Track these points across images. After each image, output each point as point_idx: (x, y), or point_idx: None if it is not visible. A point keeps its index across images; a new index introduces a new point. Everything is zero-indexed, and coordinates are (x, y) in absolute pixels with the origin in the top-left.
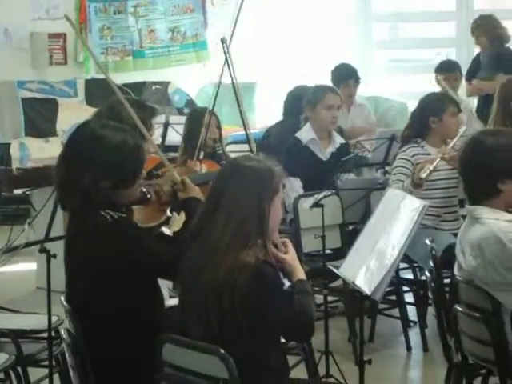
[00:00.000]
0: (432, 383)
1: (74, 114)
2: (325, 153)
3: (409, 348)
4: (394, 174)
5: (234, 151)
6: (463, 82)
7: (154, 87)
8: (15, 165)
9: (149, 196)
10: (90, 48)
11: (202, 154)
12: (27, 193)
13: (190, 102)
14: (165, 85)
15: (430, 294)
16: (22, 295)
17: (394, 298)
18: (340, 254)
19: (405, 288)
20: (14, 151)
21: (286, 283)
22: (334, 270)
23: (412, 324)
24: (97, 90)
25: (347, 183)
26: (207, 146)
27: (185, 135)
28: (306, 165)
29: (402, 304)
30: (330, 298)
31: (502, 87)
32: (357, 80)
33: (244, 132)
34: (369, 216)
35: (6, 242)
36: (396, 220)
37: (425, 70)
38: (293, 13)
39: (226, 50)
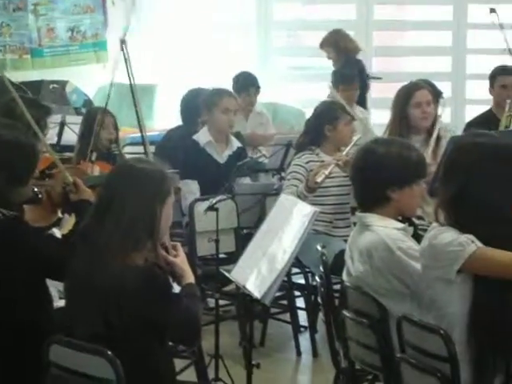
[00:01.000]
0: None
1: None
2: (222, 156)
3: (299, 353)
4: (288, 180)
5: (131, 153)
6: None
7: (51, 86)
8: None
9: (40, 196)
10: None
11: (94, 155)
12: None
13: (87, 102)
14: (62, 84)
15: (319, 300)
16: None
17: (285, 302)
18: (234, 258)
19: (297, 293)
20: None
21: (176, 287)
22: (226, 274)
23: (303, 329)
24: None
25: (243, 188)
26: (102, 146)
27: (80, 135)
28: (204, 167)
29: (293, 309)
30: (222, 302)
31: (397, 94)
32: (257, 89)
33: (139, 134)
34: (263, 221)
35: None
36: (288, 225)
37: (324, 78)
38: (195, 17)
39: (125, 51)
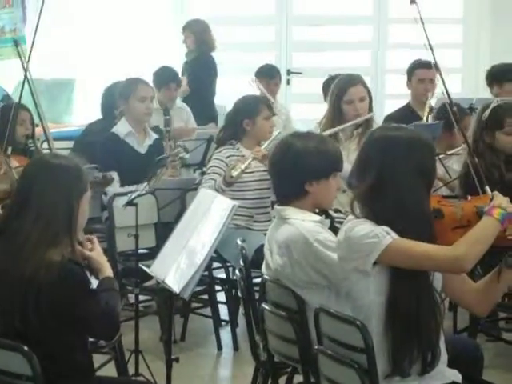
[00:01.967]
0: (241, 382)
1: None
2: (142, 145)
3: (219, 347)
4: (208, 174)
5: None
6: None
7: None
8: None
9: None
10: None
11: (9, 149)
12: None
13: (6, 98)
14: None
15: (239, 293)
16: None
17: (206, 297)
18: (154, 253)
19: (217, 287)
20: None
21: (93, 281)
22: (145, 269)
23: (224, 323)
24: None
25: (163, 183)
26: (19, 141)
27: None
28: (125, 159)
29: (213, 303)
30: (143, 297)
31: (332, 89)
32: (178, 84)
33: (60, 129)
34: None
35: None
36: (207, 219)
37: (246, 73)
38: (117, 11)
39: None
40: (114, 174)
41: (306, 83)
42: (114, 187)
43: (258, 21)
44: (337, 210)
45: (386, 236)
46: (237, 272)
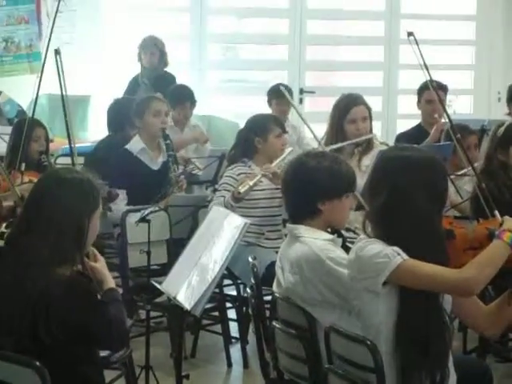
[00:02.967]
0: None
1: None
2: (156, 162)
3: (229, 364)
4: (219, 191)
5: (64, 164)
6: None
7: None
8: None
9: None
10: None
11: (23, 165)
12: None
13: (21, 113)
14: None
15: (250, 311)
16: None
17: (217, 314)
18: (166, 269)
19: (228, 304)
20: None
21: None
22: (157, 285)
23: (234, 340)
24: None
25: (176, 199)
26: (32, 157)
27: (10, 146)
28: (138, 176)
29: (224, 320)
30: (154, 314)
31: (334, 107)
32: (193, 103)
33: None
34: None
35: None
36: (219, 237)
37: (259, 92)
38: (129, 30)
39: (59, 62)
40: (122, 192)
41: (318, 102)
42: (120, 205)
43: (271, 40)
44: (348, 229)
45: (396, 256)
46: (247, 289)
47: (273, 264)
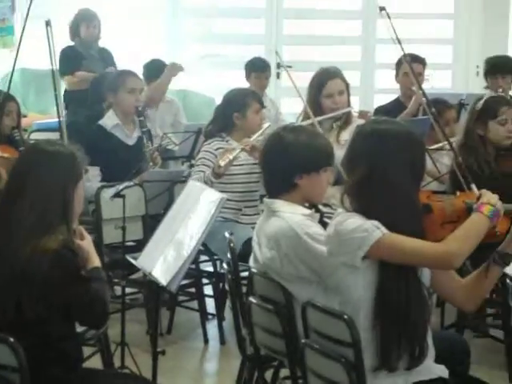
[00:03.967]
0: (227, 375)
1: None
2: (131, 137)
3: (206, 340)
4: (197, 166)
5: (38, 139)
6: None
7: None
8: None
9: None
10: None
11: None
12: None
13: None
14: None
15: (227, 287)
16: None
17: (193, 290)
18: (142, 245)
19: (205, 280)
20: None
21: None
22: (132, 261)
23: (210, 316)
24: None
25: (151, 175)
26: (4, 132)
27: None
28: (112, 151)
29: (200, 296)
30: (130, 290)
31: (310, 83)
32: None
33: (48, 120)
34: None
35: None
36: (195, 212)
37: (237, 66)
38: (105, 2)
39: (50, 33)
40: (96, 168)
41: (295, 77)
42: (94, 181)
43: (248, 14)
44: (325, 205)
45: (375, 230)
46: (224, 265)
47: (250, 240)
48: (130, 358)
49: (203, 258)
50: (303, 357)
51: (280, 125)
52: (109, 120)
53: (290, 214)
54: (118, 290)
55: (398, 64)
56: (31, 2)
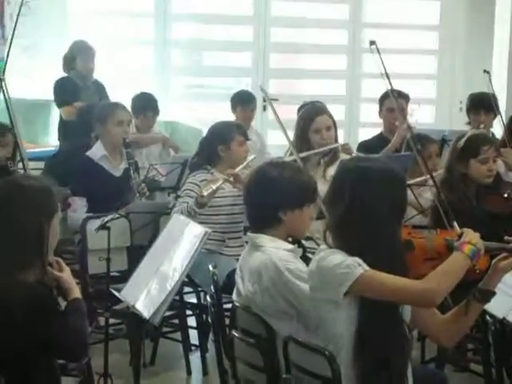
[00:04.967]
0: None
1: None
2: (118, 169)
3: (189, 371)
4: (182, 197)
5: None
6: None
7: None
8: None
9: None
10: None
11: None
12: None
13: None
14: None
15: (209, 319)
16: None
17: (177, 321)
18: (126, 276)
19: (188, 312)
20: None
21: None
22: (115, 293)
23: (194, 348)
24: None
25: (137, 206)
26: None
27: None
28: (99, 182)
29: (184, 328)
30: (114, 321)
31: (298, 118)
32: (156, 112)
33: (35, 150)
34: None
35: None
36: (179, 245)
37: (224, 98)
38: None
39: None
40: (82, 199)
41: (282, 110)
42: (80, 212)
43: (236, 46)
44: (308, 238)
45: (357, 267)
46: (207, 298)
47: (233, 272)
48: None
49: (187, 289)
50: None
51: (265, 157)
52: (96, 151)
53: (274, 249)
54: (102, 320)
55: (382, 99)
56: (14, 30)
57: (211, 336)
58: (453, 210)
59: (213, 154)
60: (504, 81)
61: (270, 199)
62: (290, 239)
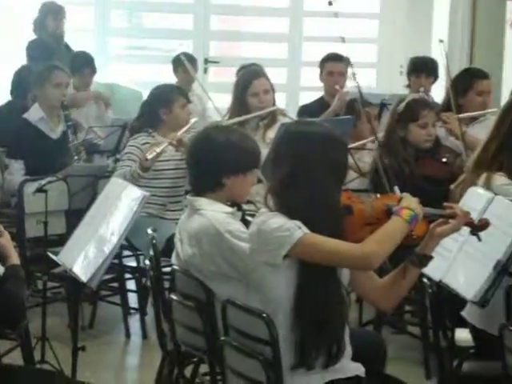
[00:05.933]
0: (148, 370)
1: None
2: (55, 131)
3: (128, 335)
4: (123, 160)
5: None
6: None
7: None
8: None
9: None
10: None
11: None
12: None
13: None
14: None
15: (148, 283)
16: None
17: (116, 284)
18: (65, 240)
19: (128, 275)
20: None
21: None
22: (53, 257)
23: (133, 311)
24: None
25: (75, 169)
26: None
27: None
28: (36, 145)
29: (123, 291)
30: (52, 284)
31: (236, 82)
32: (93, 70)
33: None
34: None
35: None
36: (117, 208)
37: (165, 60)
38: None
39: None
40: (20, 162)
41: (223, 72)
42: (17, 175)
43: (177, 9)
44: (249, 202)
45: (297, 230)
46: (146, 261)
47: (173, 236)
48: (50, 352)
49: (126, 253)
50: (222, 354)
51: (207, 120)
52: (34, 113)
53: (212, 212)
54: (40, 283)
55: (322, 62)
56: None
57: (150, 299)
58: (392, 173)
59: (154, 117)
60: (445, 43)
61: (215, 164)
62: (229, 203)
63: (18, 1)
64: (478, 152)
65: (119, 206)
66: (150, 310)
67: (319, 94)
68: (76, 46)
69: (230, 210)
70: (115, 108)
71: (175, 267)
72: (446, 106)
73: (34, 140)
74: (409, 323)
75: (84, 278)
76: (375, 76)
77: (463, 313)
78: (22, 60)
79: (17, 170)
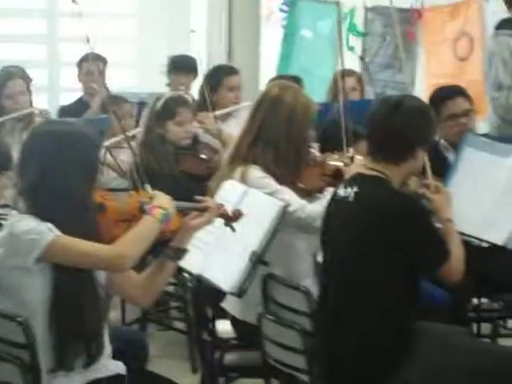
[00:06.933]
0: None
1: None
2: None
3: None
4: None
5: None
6: None
7: None
8: None
9: None
10: None
11: None
12: None
13: None
14: None
15: None
16: None
17: None
18: None
19: None
20: None
21: None
22: None
23: None
24: None
25: None
26: None
27: None
28: None
29: None
30: None
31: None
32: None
33: None
34: None
35: None
36: None
37: None
38: None
39: None
40: None
41: None
42: None
43: None
44: (4, 206)
45: (48, 233)
46: None
47: None
48: None
49: None
50: None
51: None
52: None
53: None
54: None
55: (80, 62)
56: None
57: None
58: (152, 171)
59: None
60: (203, 41)
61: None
62: None
63: None
64: (233, 146)
65: None
66: None
67: (80, 94)
68: None
69: None
70: None
71: None
72: (203, 104)
73: None
74: (174, 319)
75: None
76: (137, 75)
77: (223, 304)
78: None
79: None
